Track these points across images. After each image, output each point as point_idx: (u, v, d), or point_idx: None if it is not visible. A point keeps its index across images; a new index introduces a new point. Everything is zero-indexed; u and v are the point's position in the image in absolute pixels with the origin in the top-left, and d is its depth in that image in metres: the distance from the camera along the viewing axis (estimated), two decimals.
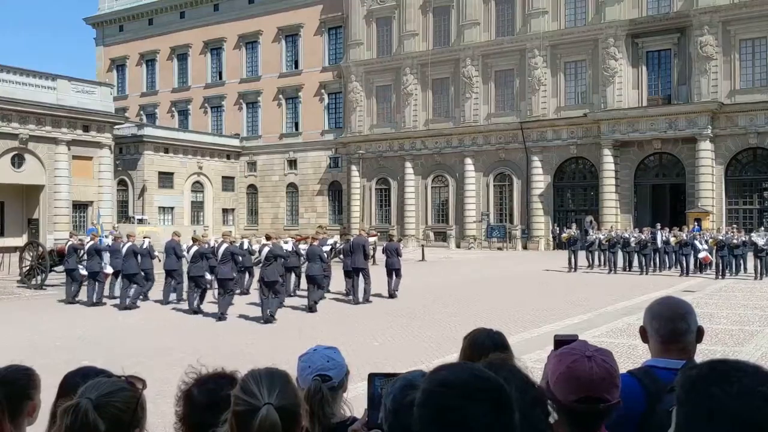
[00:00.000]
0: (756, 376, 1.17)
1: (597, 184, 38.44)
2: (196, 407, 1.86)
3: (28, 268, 20.53)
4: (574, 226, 30.37)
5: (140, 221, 41.84)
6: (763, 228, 28.76)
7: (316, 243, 16.11)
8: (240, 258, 16.34)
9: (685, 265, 23.45)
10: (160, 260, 17.14)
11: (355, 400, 2.39)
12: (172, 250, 16.50)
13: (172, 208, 47.04)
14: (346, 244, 17.78)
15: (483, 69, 42.20)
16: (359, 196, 46.72)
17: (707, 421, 1.14)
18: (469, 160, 42.49)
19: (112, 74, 58.09)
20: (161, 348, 10.65)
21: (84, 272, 16.63)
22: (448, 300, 16.77)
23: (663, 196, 40.32)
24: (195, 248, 15.40)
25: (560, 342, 2.06)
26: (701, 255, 23.13)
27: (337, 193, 48.76)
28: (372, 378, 1.96)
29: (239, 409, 1.53)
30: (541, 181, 40.29)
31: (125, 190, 46.22)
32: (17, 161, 34.49)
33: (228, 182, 51.72)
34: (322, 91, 49.20)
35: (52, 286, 19.90)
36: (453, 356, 8.03)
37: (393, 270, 17.37)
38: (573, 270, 25.13)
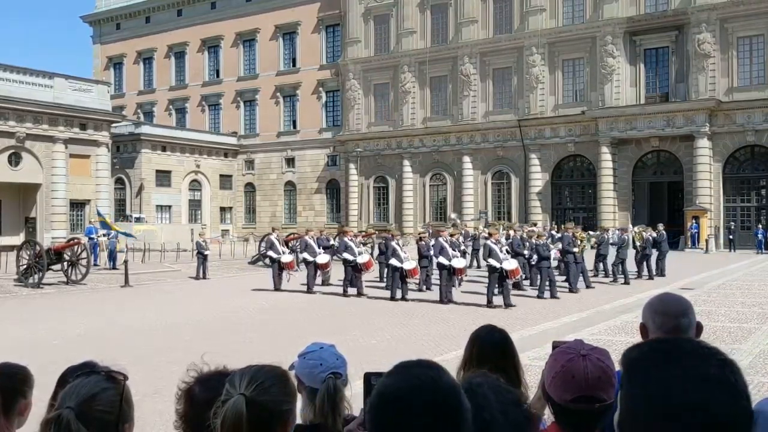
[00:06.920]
0: (694, 356, 1.14)
1: (595, 182, 38.46)
2: (197, 405, 1.85)
3: (25, 266, 20.46)
4: (480, 228, 28.41)
5: (138, 220, 41.79)
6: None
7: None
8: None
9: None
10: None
11: (351, 400, 2.38)
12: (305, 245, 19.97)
13: (169, 207, 47.00)
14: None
15: (481, 67, 42.18)
16: (357, 194, 46.69)
17: (646, 403, 1.11)
18: (467, 158, 42.49)
19: (109, 72, 57.95)
20: (160, 347, 10.62)
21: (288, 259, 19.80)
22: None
23: (661, 194, 40.39)
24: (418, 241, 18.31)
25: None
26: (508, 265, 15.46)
27: (335, 191, 48.73)
28: (368, 377, 1.95)
29: (222, 399, 1.59)
30: (539, 179, 40.30)
31: (123, 189, 46.16)
32: (14, 160, 34.42)
33: (225, 180, 51.68)
34: (320, 89, 49.16)
35: (50, 284, 19.86)
36: (452, 354, 8.02)
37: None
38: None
